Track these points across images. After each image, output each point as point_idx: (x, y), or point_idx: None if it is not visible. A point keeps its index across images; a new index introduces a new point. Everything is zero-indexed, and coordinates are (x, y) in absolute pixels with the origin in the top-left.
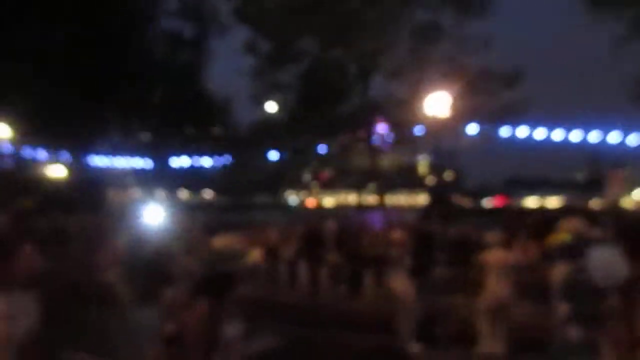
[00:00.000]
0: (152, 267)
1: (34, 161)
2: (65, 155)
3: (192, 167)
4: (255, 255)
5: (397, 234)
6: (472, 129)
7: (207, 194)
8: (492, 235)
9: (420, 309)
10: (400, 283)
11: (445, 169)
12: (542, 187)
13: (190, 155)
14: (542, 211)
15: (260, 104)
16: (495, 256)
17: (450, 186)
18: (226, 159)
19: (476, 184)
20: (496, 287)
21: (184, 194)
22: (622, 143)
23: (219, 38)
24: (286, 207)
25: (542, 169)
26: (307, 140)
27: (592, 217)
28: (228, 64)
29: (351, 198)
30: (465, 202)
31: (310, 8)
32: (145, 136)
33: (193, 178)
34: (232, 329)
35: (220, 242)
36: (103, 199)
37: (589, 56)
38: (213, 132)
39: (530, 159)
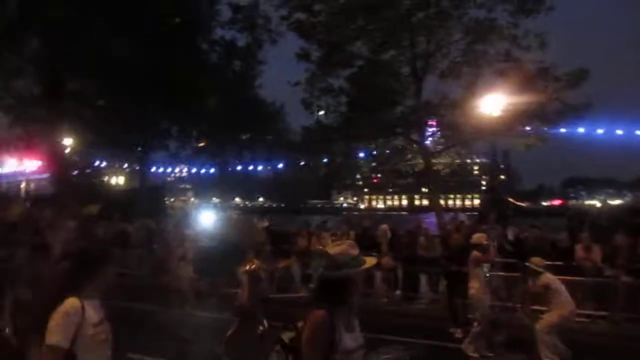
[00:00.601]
0: (221, 267)
1: (98, 169)
2: (126, 163)
3: (246, 172)
4: (371, 261)
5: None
6: (530, 129)
7: (261, 199)
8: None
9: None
10: (477, 287)
11: (500, 170)
12: (606, 187)
13: (245, 161)
14: (606, 212)
15: (313, 109)
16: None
17: (506, 187)
18: (279, 165)
19: (534, 185)
20: (564, 301)
21: (238, 199)
22: None
23: (271, 46)
24: (339, 210)
25: (605, 169)
26: (359, 143)
27: None
28: (282, 71)
29: (404, 201)
30: (518, 203)
31: (360, 12)
32: (201, 143)
33: (247, 183)
34: (350, 340)
35: (336, 248)
36: (163, 205)
37: None
38: (267, 138)
39: (590, 159)
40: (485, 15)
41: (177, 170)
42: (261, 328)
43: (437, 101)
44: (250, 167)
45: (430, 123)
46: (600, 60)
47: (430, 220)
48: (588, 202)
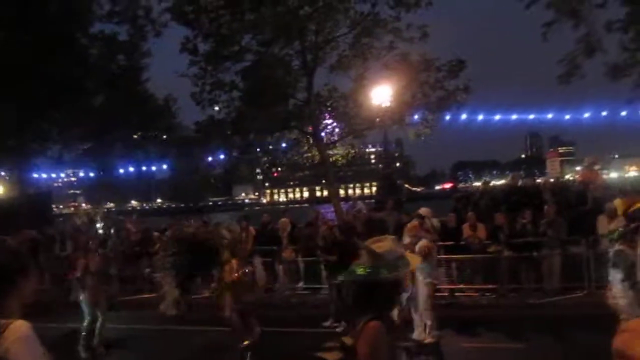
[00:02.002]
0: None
1: None
2: (3, 170)
3: (139, 173)
4: (416, 260)
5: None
6: (417, 117)
7: (158, 199)
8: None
9: None
10: None
11: (395, 158)
12: (490, 168)
13: (136, 161)
14: (487, 192)
15: (204, 104)
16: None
17: (401, 174)
18: (174, 163)
19: (426, 170)
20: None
21: (134, 201)
22: (559, 122)
23: (156, 39)
24: (240, 207)
25: (489, 152)
26: (254, 138)
27: (535, 195)
28: (170, 65)
29: (305, 193)
30: (413, 188)
31: (247, 5)
32: (88, 145)
33: (143, 185)
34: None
35: (381, 245)
36: (49, 214)
37: (522, 40)
38: (158, 136)
39: (477, 143)
40: (370, 9)
41: (62, 175)
42: (246, 342)
43: (328, 94)
44: (144, 168)
45: (323, 115)
46: (480, 50)
47: (331, 211)
48: (476, 183)
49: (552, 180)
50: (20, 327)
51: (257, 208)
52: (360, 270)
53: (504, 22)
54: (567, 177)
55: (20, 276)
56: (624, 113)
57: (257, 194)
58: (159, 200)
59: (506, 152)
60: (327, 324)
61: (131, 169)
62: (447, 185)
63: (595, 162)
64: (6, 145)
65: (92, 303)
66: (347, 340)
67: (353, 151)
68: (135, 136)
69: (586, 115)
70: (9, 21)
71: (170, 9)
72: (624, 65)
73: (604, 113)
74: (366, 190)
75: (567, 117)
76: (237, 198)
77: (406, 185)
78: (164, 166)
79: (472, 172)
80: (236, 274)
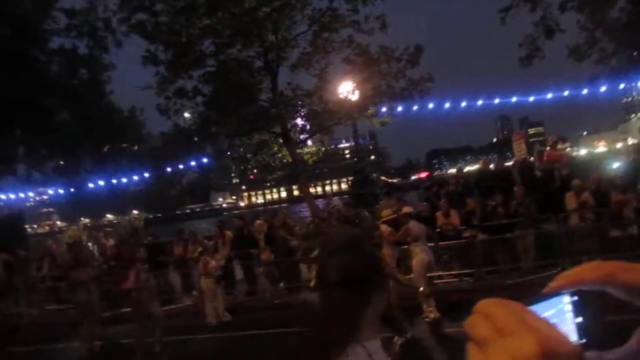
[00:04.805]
0: None
1: None
2: None
3: (111, 186)
4: None
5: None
6: (384, 110)
7: (135, 212)
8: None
9: None
10: None
11: (367, 151)
12: (464, 154)
13: (107, 175)
14: (460, 178)
15: (169, 114)
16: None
17: (375, 167)
18: (145, 174)
19: (402, 161)
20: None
21: (109, 215)
22: (525, 104)
23: (120, 52)
24: (218, 212)
25: (462, 138)
26: (224, 143)
27: (505, 178)
28: (138, 78)
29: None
30: (389, 179)
31: (202, 10)
32: (56, 162)
33: (117, 198)
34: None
35: None
36: (22, 234)
37: (482, 24)
38: (128, 148)
39: (450, 130)
40: (327, 5)
41: (31, 194)
42: None
43: (292, 93)
44: (114, 181)
45: (290, 114)
46: (445, 37)
47: (306, 209)
48: (451, 170)
49: (519, 161)
50: None
51: (235, 212)
52: None
53: (464, 8)
54: (530, 158)
55: None
56: (585, 91)
57: (234, 198)
58: (135, 212)
59: (479, 137)
60: None
61: (101, 182)
62: (423, 175)
63: (557, 141)
64: None
65: (144, 314)
66: None
67: (323, 148)
68: (105, 149)
69: (549, 95)
70: None
71: (125, 18)
72: (585, 46)
73: (566, 92)
74: (343, 186)
75: (532, 98)
76: (214, 204)
77: (382, 178)
78: (135, 177)
79: (446, 160)
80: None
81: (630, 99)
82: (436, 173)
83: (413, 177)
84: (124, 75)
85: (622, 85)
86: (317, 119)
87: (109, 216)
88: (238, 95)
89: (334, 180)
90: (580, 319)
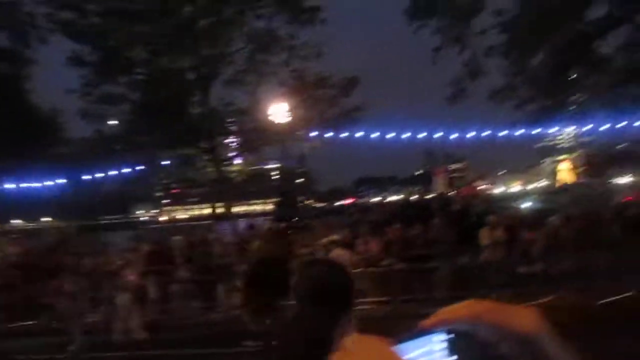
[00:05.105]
0: None
1: None
2: None
3: (23, 191)
4: None
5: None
6: (313, 134)
7: (46, 219)
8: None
9: None
10: None
11: (295, 174)
12: (389, 184)
13: (19, 178)
14: (382, 207)
15: (94, 118)
16: (337, 254)
17: (302, 190)
18: (63, 179)
19: (329, 186)
20: None
21: (18, 220)
22: (449, 140)
23: (41, 47)
24: (137, 225)
25: (390, 168)
26: (148, 154)
27: (425, 209)
28: (57, 76)
29: (204, 210)
30: (314, 204)
31: (138, 16)
32: None
33: (27, 203)
34: None
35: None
36: None
37: (415, 62)
38: (44, 151)
39: (378, 159)
40: (266, 25)
41: None
42: None
43: (224, 109)
44: (28, 185)
45: (219, 131)
46: (378, 67)
47: (228, 228)
48: (377, 198)
49: (439, 195)
50: None
51: (154, 226)
52: None
53: (400, 44)
54: (451, 193)
55: None
56: (504, 132)
57: (158, 210)
58: (45, 219)
59: (406, 168)
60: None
61: (8, 186)
62: (348, 201)
63: (476, 178)
64: None
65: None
66: None
67: (251, 167)
68: (17, 151)
69: (472, 134)
70: None
71: (51, 14)
72: (505, 90)
73: (488, 132)
74: (269, 207)
75: (456, 135)
76: (133, 216)
77: (308, 202)
78: (49, 182)
79: (372, 188)
80: None
81: (543, 144)
82: (362, 200)
83: (338, 203)
84: (48, 75)
85: (537, 131)
86: (247, 137)
87: (17, 221)
88: (167, 106)
89: (260, 200)
90: (454, 358)
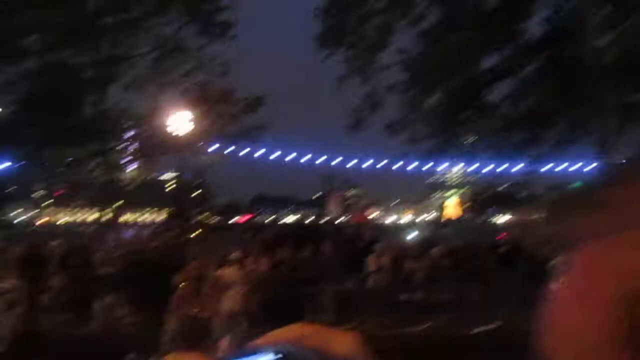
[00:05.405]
0: None
1: None
2: None
3: None
4: None
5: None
6: (213, 148)
7: None
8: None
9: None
10: None
11: (191, 186)
12: (285, 204)
13: None
14: (275, 228)
15: None
16: (224, 273)
17: (197, 203)
18: None
19: (225, 201)
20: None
21: None
22: (347, 166)
23: None
24: (9, 226)
25: (288, 188)
26: (32, 149)
27: (316, 232)
28: None
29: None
30: (209, 218)
31: (39, 1)
32: None
33: None
34: None
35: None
36: None
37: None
38: None
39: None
40: (172, 33)
41: None
42: None
43: (120, 113)
44: None
45: (112, 135)
46: (286, 89)
47: (111, 235)
48: (272, 217)
49: (332, 219)
50: None
51: (31, 228)
52: None
53: (310, 70)
54: (343, 218)
55: None
56: (399, 164)
57: (37, 211)
58: None
59: (306, 189)
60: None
61: None
62: (244, 218)
63: (369, 205)
64: None
65: None
66: None
67: (144, 176)
68: None
69: (370, 162)
70: None
71: None
72: (400, 124)
73: (385, 162)
74: (160, 217)
75: (355, 162)
76: (6, 216)
77: (205, 214)
78: None
79: (269, 207)
80: None
81: (434, 179)
82: (257, 218)
83: (233, 219)
84: None
85: (428, 166)
86: (143, 144)
87: None
88: (57, 102)
89: (153, 210)
90: None
